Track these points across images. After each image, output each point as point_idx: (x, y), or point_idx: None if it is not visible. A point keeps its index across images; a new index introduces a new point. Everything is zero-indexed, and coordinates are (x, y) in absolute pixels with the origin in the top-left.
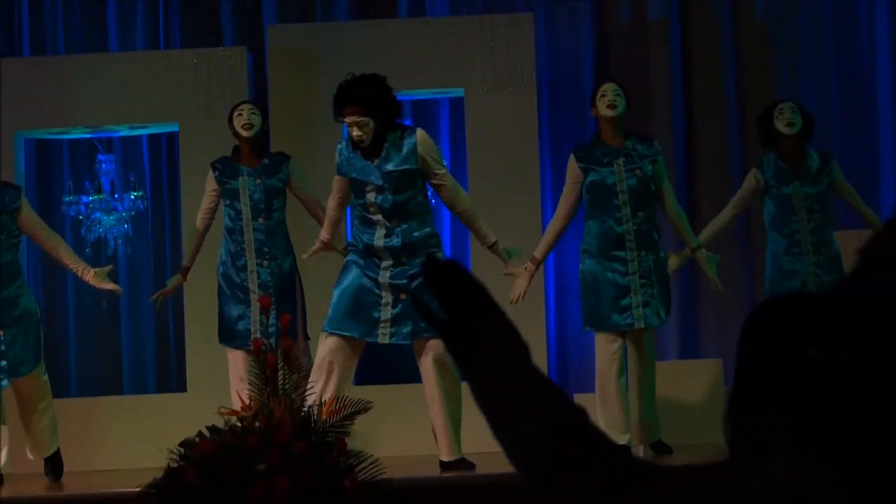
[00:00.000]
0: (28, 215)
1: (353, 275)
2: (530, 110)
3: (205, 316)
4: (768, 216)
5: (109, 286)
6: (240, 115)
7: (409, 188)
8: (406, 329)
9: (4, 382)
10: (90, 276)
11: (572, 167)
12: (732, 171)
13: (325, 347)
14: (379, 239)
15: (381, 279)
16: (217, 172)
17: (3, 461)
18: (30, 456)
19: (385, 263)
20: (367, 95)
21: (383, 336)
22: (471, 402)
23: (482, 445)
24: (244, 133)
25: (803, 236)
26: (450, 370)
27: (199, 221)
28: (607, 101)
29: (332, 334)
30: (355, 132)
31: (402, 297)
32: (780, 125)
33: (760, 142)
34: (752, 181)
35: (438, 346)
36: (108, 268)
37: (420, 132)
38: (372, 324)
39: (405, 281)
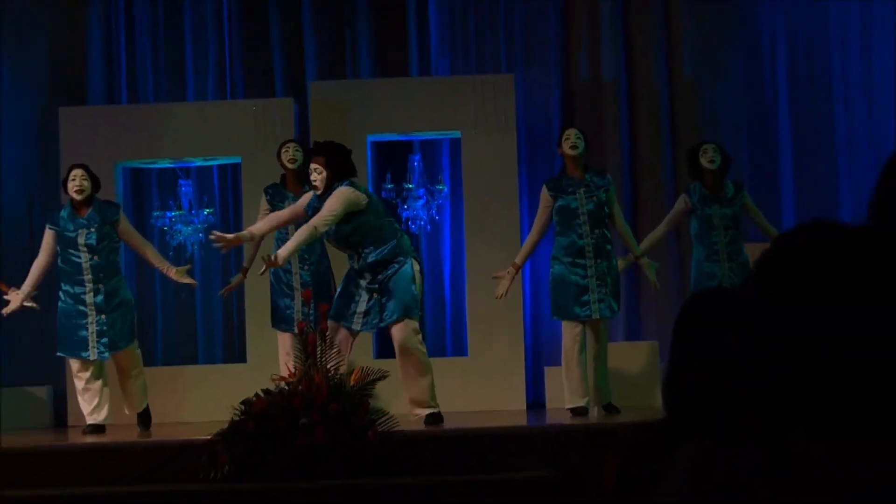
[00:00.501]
0: (125, 226)
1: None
2: (511, 149)
3: (260, 305)
4: (694, 231)
5: (187, 280)
6: (286, 151)
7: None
8: (374, 320)
9: (106, 355)
10: (173, 273)
11: (544, 195)
12: (667, 197)
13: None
14: (353, 263)
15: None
16: (269, 196)
17: (104, 415)
18: (126, 412)
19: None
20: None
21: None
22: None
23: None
24: (290, 166)
25: (720, 247)
26: (410, 349)
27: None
28: (570, 143)
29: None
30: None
31: (374, 296)
32: (704, 161)
33: (689, 173)
34: (681, 203)
35: (399, 332)
36: (188, 267)
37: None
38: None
39: (376, 286)
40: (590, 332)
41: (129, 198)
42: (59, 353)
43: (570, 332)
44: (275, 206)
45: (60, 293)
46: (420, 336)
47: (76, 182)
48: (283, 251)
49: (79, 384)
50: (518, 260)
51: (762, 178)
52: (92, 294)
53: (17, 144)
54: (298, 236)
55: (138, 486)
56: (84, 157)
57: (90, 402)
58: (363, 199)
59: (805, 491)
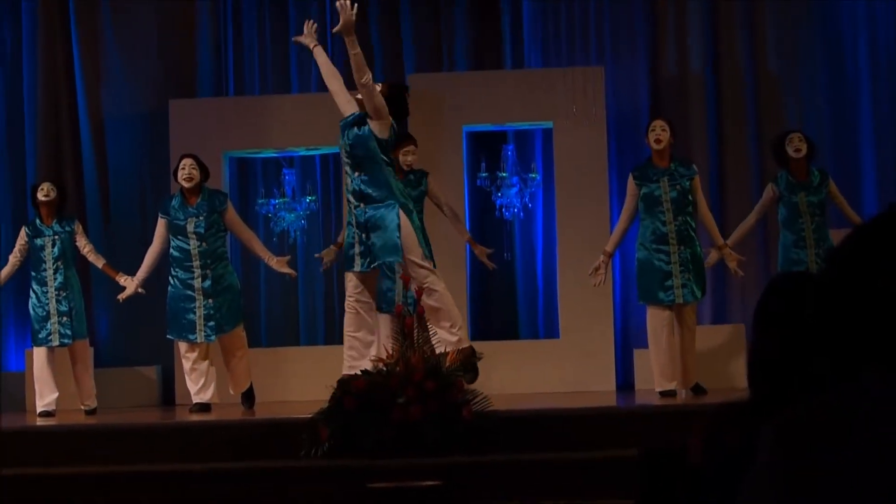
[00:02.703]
0: (232, 215)
1: None
2: (601, 138)
3: None
4: (781, 218)
5: (287, 270)
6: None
7: None
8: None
9: (212, 337)
10: (274, 262)
11: (630, 183)
12: (752, 186)
13: None
14: None
15: None
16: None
17: (210, 394)
18: (231, 391)
19: None
20: None
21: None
22: None
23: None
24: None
25: (807, 234)
26: None
27: None
28: (655, 135)
29: None
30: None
31: None
32: (790, 150)
33: (775, 162)
34: (769, 192)
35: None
36: (287, 257)
37: None
38: None
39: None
40: (677, 317)
41: (236, 186)
42: (168, 336)
43: (655, 317)
44: None
45: (170, 278)
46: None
47: (186, 171)
48: None
49: (186, 364)
50: (609, 247)
51: (844, 168)
52: (200, 279)
53: (129, 136)
54: None
55: (242, 463)
56: (193, 147)
57: (196, 381)
58: None
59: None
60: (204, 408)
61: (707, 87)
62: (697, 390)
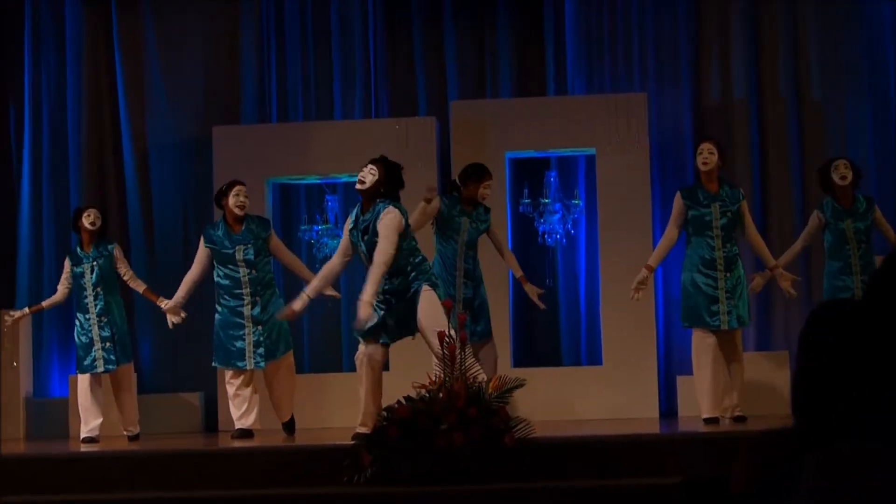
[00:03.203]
0: (276, 242)
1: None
2: (644, 165)
3: None
4: (827, 244)
5: (330, 293)
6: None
7: None
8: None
9: (262, 364)
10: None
11: (678, 202)
12: (796, 212)
13: None
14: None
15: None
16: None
17: (252, 420)
18: (278, 418)
19: None
20: None
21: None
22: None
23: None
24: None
25: (853, 260)
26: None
27: None
28: (702, 158)
29: None
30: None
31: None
32: (836, 177)
33: (821, 188)
34: (815, 219)
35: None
36: None
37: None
38: None
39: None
40: (724, 344)
41: (279, 212)
42: (214, 364)
43: (701, 341)
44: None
45: (217, 306)
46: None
47: (239, 198)
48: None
49: (230, 390)
50: (651, 262)
51: (888, 196)
52: (250, 307)
53: (173, 162)
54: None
55: (284, 489)
56: (236, 173)
57: (239, 407)
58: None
59: None
60: (246, 434)
61: (750, 114)
62: (738, 420)
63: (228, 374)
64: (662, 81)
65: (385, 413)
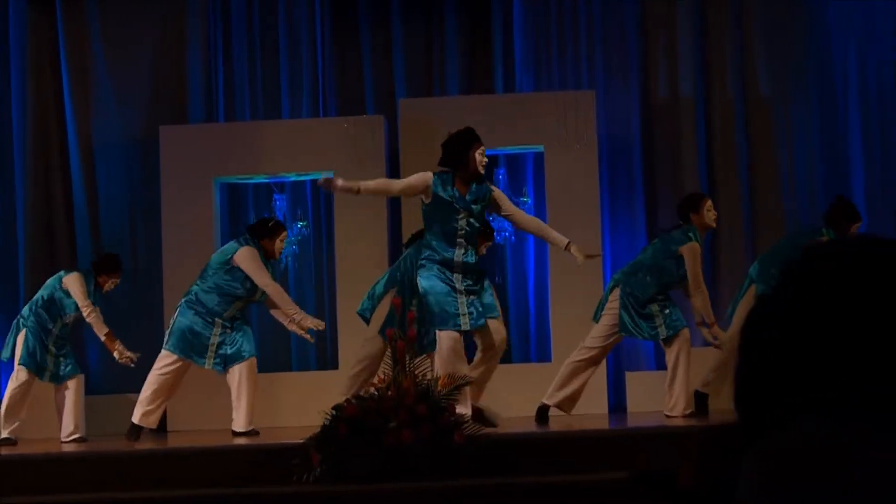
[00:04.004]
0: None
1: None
2: (592, 162)
3: (350, 312)
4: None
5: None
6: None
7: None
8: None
9: (221, 367)
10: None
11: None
12: (743, 205)
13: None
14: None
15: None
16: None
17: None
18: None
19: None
20: None
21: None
22: None
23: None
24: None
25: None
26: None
27: None
28: (713, 215)
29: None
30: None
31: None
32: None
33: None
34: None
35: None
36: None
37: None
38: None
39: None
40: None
41: (226, 212)
42: (167, 348)
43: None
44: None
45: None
46: None
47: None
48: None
49: (152, 376)
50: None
51: (834, 196)
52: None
53: (120, 161)
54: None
55: (233, 489)
56: (184, 173)
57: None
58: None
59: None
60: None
61: (697, 112)
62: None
63: (164, 361)
64: (610, 79)
65: (334, 412)
